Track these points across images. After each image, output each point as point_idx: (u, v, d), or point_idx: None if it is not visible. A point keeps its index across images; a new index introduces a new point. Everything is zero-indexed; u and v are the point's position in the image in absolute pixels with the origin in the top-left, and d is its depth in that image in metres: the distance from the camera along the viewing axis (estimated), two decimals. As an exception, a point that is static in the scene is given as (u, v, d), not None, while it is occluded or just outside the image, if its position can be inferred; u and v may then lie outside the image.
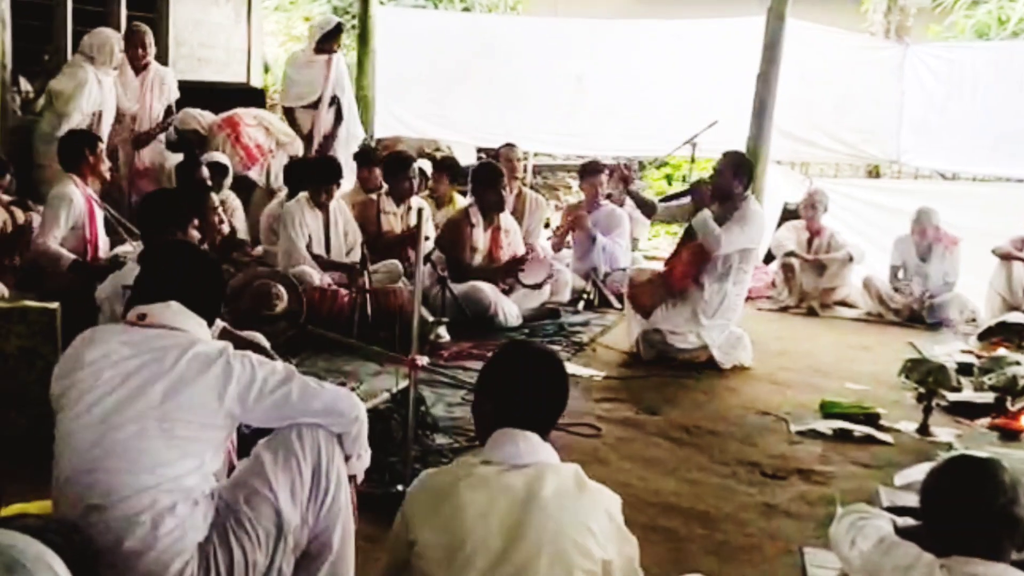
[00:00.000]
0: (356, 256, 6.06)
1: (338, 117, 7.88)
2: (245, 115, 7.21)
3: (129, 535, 2.35)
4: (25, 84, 6.81)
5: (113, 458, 2.38)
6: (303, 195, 6.14)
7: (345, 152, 7.81)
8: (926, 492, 2.17)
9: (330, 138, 7.83)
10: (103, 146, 5.52)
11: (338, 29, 7.92)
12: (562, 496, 2.09)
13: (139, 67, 6.91)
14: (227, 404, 2.42)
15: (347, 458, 2.58)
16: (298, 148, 7.61)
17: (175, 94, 7.17)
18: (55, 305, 3.89)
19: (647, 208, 6.83)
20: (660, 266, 6.37)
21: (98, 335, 2.56)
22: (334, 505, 2.53)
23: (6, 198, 5.43)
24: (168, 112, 7.10)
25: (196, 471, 2.42)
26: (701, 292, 5.74)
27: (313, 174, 6.16)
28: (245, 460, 2.60)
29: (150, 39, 7.00)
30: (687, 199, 6.10)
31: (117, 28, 7.64)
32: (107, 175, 5.55)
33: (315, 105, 7.83)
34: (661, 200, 6.62)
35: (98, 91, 6.33)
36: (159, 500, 2.36)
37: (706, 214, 5.71)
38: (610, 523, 2.13)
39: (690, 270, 5.75)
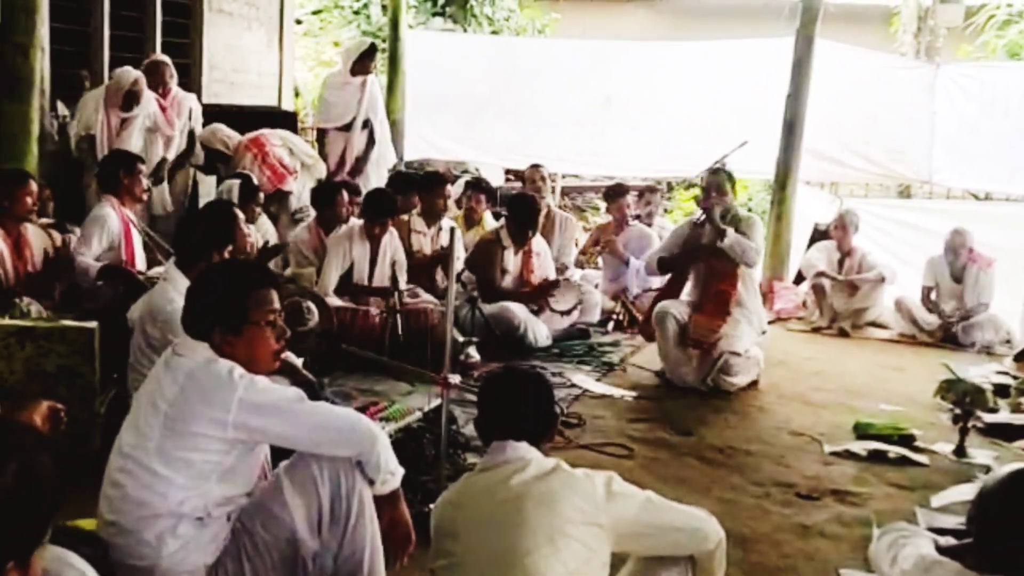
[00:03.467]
0: (401, 284, 6.03)
1: (371, 140, 7.95)
2: (271, 135, 7.26)
3: (135, 553, 2.38)
4: (63, 109, 6.91)
5: (123, 475, 2.42)
6: (356, 223, 6.15)
7: (376, 175, 7.88)
8: (981, 506, 2.12)
9: (362, 160, 7.89)
10: (143, 167, 5.57)
11: (372, 49, 8.03)
12: (540, 477, 2.28)
13: (162, 95, 6.90)
14: (228, 428, 2.40)
15: (371, 483, 2.55)
16: (321, 170, 7.66)
17: (198, 120, 7.17)
18: (93, 325, 3.93)
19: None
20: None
21: (163, 355, 2.61)
22: (358, 529, 2.51)
23: (44, 221, 5.50)
24: (191, 137, 7.14)
25: (199, 495, 2.42)
26: (744, 311, 5.74)
27: (367, 207, 6.16)
28: (265, 483, 2.61)
29: (171, 70, 7.00)
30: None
31: (152, 53, 7.77)
32: (143, 197, 5.63)
33: (348, 127, 7.92)
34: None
35: (92, 114, 6.39)
36: (161, 520, 2.38)
37: (736, 234, 5.66)
38: (595, 491, 2.27)
39: (732, 294, 5.71)
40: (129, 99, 6.47)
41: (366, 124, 7.89)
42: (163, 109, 6.81)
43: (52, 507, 1.42)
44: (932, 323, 7.58)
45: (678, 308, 5.80)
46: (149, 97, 6.66)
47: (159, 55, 7.27)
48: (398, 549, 2.62)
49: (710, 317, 5.67)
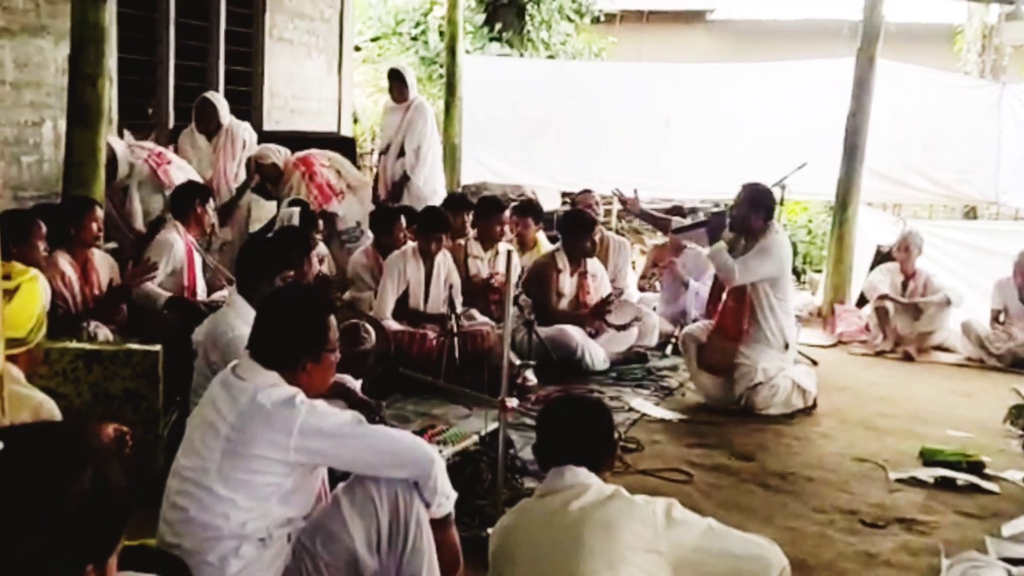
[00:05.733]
0: (458, 307, 6.05)
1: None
2: (319, 155, 7.34)
3: (198, 574, 2.40)
4: (129, 138, 7.06)
5: (184, 498, 2.46)
6: (410, 246, 6.18)
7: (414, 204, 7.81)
8: None
9: (398, 186, 7.91)
10: (213, 203, 5.84)
11: (392, 74, 8.13)
12: (599, 503, 2.28)
13: (209, 132, 7.05)
14: (290, 452, 2.43)
15: (427, 505, 2.57)
16: (368, 194, 7.72)
17: (252, 146, 7.23)
18: (158, 348, 4.01)
19: (660, 224, 6.81)
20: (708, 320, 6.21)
21: (218, 377, 2.64)
22: (415, 550, 2.53)
23: (110, 246, 5.64)
24: (249, 165, 7.23)
25: (260, 516, 2.44)
26: (761, 329, 5.63)
27: (421, 223, 6.18)
28: (325, 504, 2.64)
29: (214, 109, 7.07)
30: (702, 230, 6.04)
31: (215, 81, 7.93)
32: (208, 229, 5.80)
33: (387, 151, 8.01)
34: (675, 231, 6.62)
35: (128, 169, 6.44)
36: (224, 542, 2.41)
37: (720, 246, 5.67)
38: (655, 517, 2.26)
39: (743, 311, 5.65)
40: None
41: (402, 152, 7.93)
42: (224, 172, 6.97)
43: (124, 514, 1.48)
44: (1001, 347, 7.38)
45: (700, 330, 5.90)
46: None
47: (207, 94, 7.29)
48: (446, 573, 2.63)
49: (722, 336, 5.68)
